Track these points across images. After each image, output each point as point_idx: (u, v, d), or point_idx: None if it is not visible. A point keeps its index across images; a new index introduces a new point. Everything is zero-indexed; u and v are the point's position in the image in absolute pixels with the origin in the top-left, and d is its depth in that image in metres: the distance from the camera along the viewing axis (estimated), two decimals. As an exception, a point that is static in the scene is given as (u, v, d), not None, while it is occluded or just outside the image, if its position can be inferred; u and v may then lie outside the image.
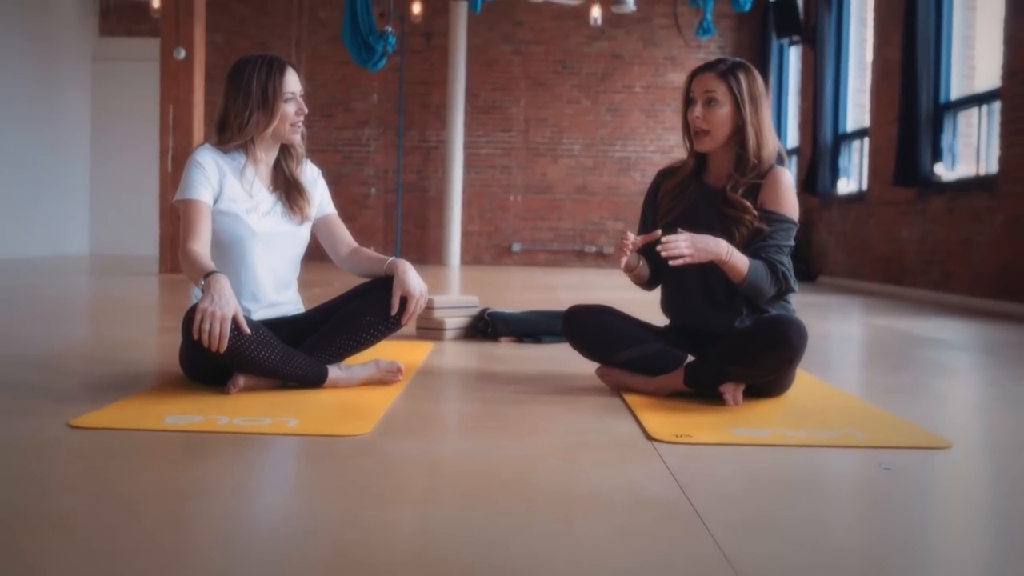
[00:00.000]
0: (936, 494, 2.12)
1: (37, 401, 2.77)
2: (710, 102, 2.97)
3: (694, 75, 3.03)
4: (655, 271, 3.14)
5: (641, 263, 3.09)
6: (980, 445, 2.65)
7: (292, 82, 3.06)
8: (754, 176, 2.98)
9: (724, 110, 2.97)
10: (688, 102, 3.03)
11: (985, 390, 3.62)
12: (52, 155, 12.66)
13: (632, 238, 2.92)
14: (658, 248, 2.78)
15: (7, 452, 2.19)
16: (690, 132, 3.04)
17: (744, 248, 2.91)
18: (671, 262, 2.78)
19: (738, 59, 3.06)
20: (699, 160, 3.11)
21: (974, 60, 8.04)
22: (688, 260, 2.79)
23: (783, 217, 2.96)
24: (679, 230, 2.84)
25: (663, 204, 3.13)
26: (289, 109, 3.05)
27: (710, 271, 2.92)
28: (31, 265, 10.21)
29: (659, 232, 2.88)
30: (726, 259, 2.84)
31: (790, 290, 2.95)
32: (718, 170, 3.06)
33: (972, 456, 2.45)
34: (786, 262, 2.93)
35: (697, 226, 2.91)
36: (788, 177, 3.01)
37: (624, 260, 2.97)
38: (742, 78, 2.97)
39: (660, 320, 3.21)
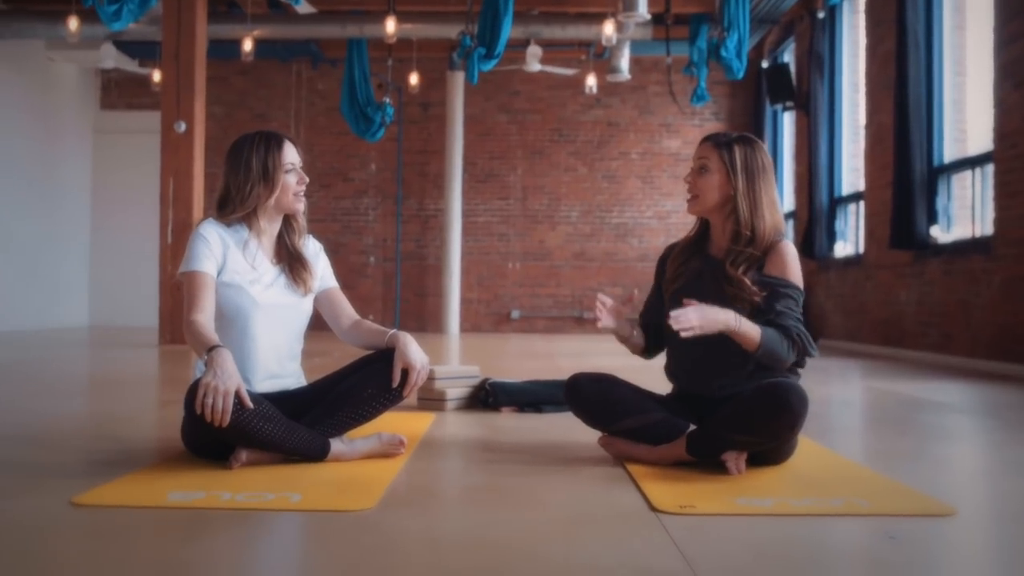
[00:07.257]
0: (942, 564, 2.11)
1: (39, 478, 2.76)
2: (701, 169, 3.07)
3: (700, 144, 3.14)
4: (655, 339, 3.20)
5: (636, 333, 3.19)
6: (985, 512, 2.63)
7: (291, 154, 3.11)
8: (751, 249, 2.99)
9: (714, 178, 3.04)
10: None
11: (989, 454, 3.61)
12: (53, 227, 12.73)
13: (606, 301, 3.08)
14: (669, 322, 2.81)
15: (10, 531, 2.18)
16: None
17: (752, 319, 2.92)
18: (682, 334, 2.80)
19: (745, 134, 3.13)
20: (703, 230, 3.16)
21: (965, 124, 8.13)
22: (697, 332, 2.81)
23: (784, 282, 2.97)
24: (685, 302, 2.86)
25: (669, 270, 3.18)
26: (290, 180, 3.10)
27: (716, 337, 2.93)
28: (31, 337, 10.21)
29: (635, 293, 2.98)
30: (735, 328, 2.85)
31: (808, 354, 2.94)
32: (719, 240, 3.10)
33: (978, 523, 2.44)
34: (799, 325, 2.93)
35: (702, 296, 2.94)
36: (792, 249, 3.03)
37: (600, 323, 3.11)
38: (737, 149, 3.03)
39: (662, 388, 3.22)
